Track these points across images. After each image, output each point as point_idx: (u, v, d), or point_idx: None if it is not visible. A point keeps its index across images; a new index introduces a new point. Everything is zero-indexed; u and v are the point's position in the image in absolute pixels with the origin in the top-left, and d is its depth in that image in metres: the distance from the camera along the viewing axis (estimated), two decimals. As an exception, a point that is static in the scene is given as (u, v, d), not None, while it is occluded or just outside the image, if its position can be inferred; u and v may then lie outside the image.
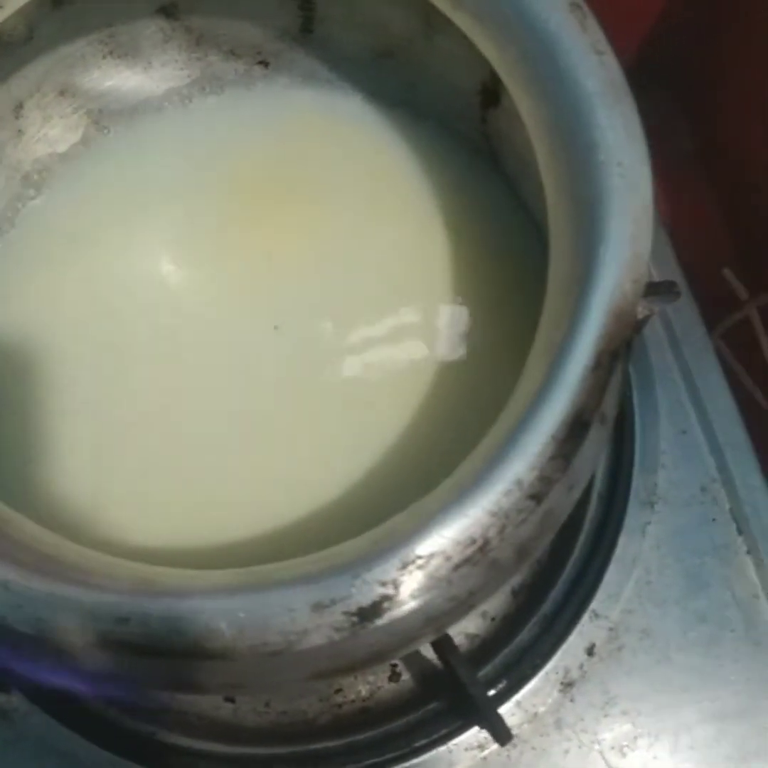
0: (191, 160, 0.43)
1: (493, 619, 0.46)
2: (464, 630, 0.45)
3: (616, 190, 0.31)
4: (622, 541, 0.46)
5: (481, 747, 0.43)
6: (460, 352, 0.40)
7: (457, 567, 0.29)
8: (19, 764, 0.42)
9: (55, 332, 0.41)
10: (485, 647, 0.45)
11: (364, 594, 0.28)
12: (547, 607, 0.45)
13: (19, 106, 0.41)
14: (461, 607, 0.33)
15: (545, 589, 0.45)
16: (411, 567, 0.28)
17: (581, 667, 0.44)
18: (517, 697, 0.43)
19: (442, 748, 0.43)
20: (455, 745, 0.43)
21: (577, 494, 0.37)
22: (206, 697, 0.44)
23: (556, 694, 0.44)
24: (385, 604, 0.28)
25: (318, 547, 0.30)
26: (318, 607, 0.28)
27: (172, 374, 0.39)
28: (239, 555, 0.35)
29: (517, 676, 0.43)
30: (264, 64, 0.44)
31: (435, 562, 0.28)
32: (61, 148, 0.43)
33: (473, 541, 0.29)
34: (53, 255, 0.42)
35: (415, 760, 0.42)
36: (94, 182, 0.43)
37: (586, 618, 0.45)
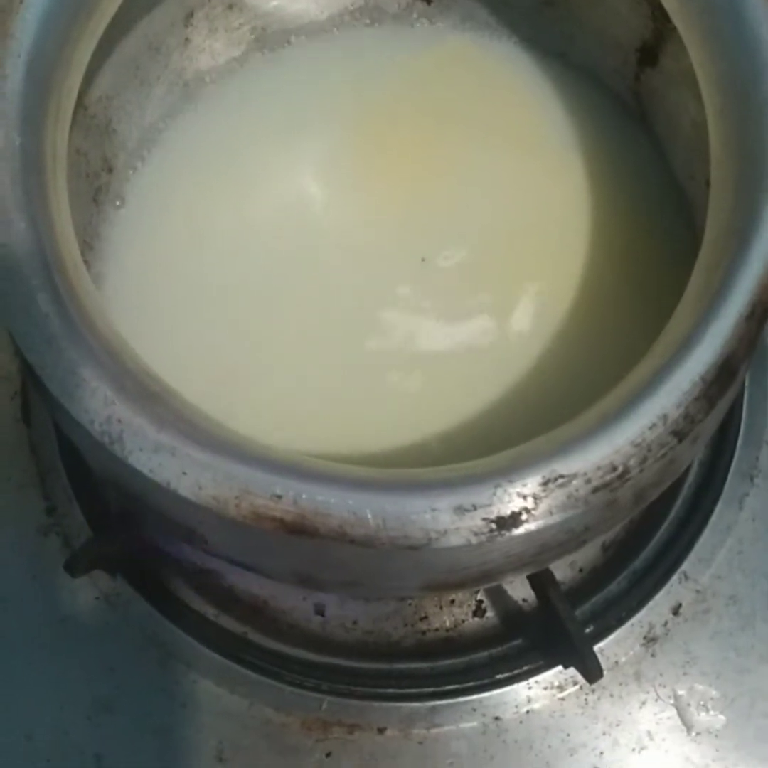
0: (344, 86, 0.44)
1: (581, 570, 0.47)
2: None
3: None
4: (719, 509, 0.46)
5: (560, 687, 0.44)
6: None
7: (595, 490, 0.30)
8: (116, 648, 0.43)
9: (202, 243, 0.42)
10: (573, 596, 0.45)
11: (505, 503, 0.29)
12: (637, 563, 0.46)
13: (190, 15, 0.42)
14: (575, 540, 0.34)
15: (637, 546, 0.46)
16: (552, 484, 0.29)
17: (665, 624, 0.45)
18: (601, 645, 0.44)
19: (522, 684, 0.44)
20: (535, 682, 0.44)
21: (700, 447, 0.37)
22: (299, 608, 0.45)
23: (638, 647, 0.44)
24: (524, 516, 0.29)
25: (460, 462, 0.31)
26: (460, 509, 0.29)
27: (316, 293, 0.40)
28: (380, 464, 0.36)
29: (603, 624, 0.44)
30: (426, 0, 0.45)
31: (575, 483, 0.29)
32: (223, 61, 0.44)
33: (614, 468, 0.30)
34: (205, 166, 0.43)
35: (494, 692, 0.44)
36: (250, 99, 0.44)
37: (675, 578, 0.45)
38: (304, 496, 0.28)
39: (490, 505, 0.29)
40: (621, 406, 0.30)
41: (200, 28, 0.43)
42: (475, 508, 0.29)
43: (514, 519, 0.29)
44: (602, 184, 0.43)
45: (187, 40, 0.43)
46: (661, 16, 0.40)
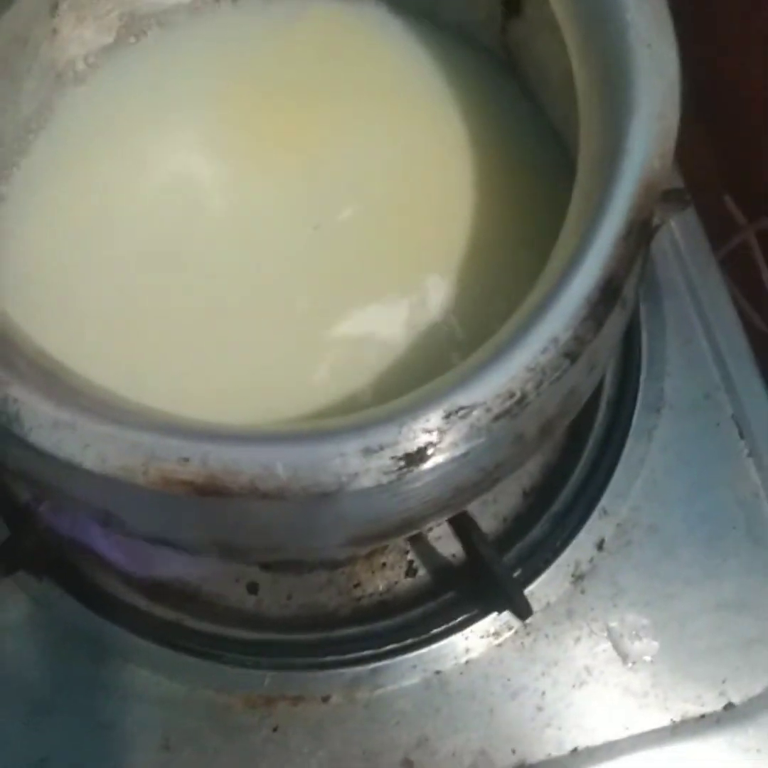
0: (219, 63, 0.45)
1: (504, 519, 0.48)
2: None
3: (644, 69, 0.33)
4: (630, 443, 0.48)
5: (496, 634, 0.45)
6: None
7: (497, 418, 0.30)
8: (51, 647, 0.43)
9: (89, 227, 0.42)
10: (500, 544, 0.46)
11: (410, 440, 0.30)
12: (557, 506, 0.47)
13: (55, 6, 0.42)
14: (487, 477, 0.35)
15: (556, 489, 0.47)
16: (453, 416, 0.30)
17: (591, 560, 0.46)
18: (531, 588, 0.45)
19: (458, 635, 0.44)
20: (471, 631, 0.44)
21: (596, 376, 0.38)
22: (232, 590, 0.45)
23: (567, 585, 0.45)
24: (430, 451, 0.30)
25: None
26: (367, 451, 0.29)
27: (210, 258, 0.40)
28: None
29: (530, 568, 0.45)
30: (290, -28, 0.45)
31: (476, 413, 0.30)
32: (94, 48, 0.44)
33: (512, 395, 0.30)
34: (87, 152, 0.43)
35: (432, 646, 0.44)
36: (124, 84, 0.44)
37: (595, 515, 0.46)
38: (212, 457, 0.29)
39: (396, 444, 0.29)
40: (513, 335, 0.31)
41: (67, 17, 0.43)
42: (381, 448, 0.29)
43: (421, 454, 0.30)
44: (482, 138, 0.44)
45: (54, 30, 0.42)
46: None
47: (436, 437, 0.30)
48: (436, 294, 0.41)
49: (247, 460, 0.29)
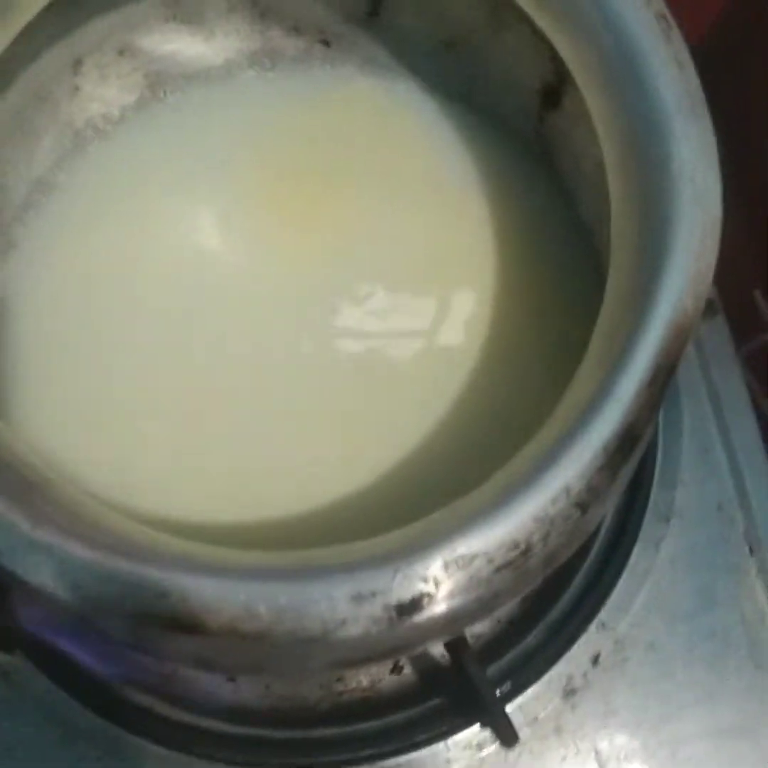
0: (244, 132, 0.43)
1: (499, 621, 0.46)
2: (472, 631, 0.44)
3: (686, 203, 0.31)
4: (636, 553, 0.46)
5: (479, 746, 0.43)
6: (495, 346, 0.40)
7: (498, 569, 0.29)
8: (16, 726, 0.41)
9: (96, 299, 0.40)
10: (490, 649, 0.44)
11: (405, 589, 0.28)
12: (554, 613, 0.45)
13: (79, 63, 0.41)
14: (485, 610, 0.33)
15: (554, 596, 0.45)
16: (453, 566, 0.28)
17: (585, 675, 0.44)
18: (519, 700, 0.43)
19: (440, 745, 0.43)
20: (454, 742, 0.43)
21: (608, 508, 0.37)
22: (208, 676, 0.43)
23: (558, 700, 0.44)
24: (425, 601, 0.28)
25: (355, 535, 0.30)
26: (358, 598, 0.28)
27: (215, 346, 0.39)
28: (276, 538, 0.35)
29: (520, 679, 0.43)
30: (325, 43, 0.44)
31: (477, 563, 0.28)
32: (115, 108, 0.42)
33: (517, 546, 0.29)
34: (98, 218, 0.41)
35: (413, 754, 0.42)
36: (144, 146, 0.42)
37: (593, 627, 0.45)
38: (191, 593, 0.27)
39: (389, 591, 0.28)
40: (522, 479, 0.29)
41: (90, 75, 0.41)
42: (373, 594, 0.28)
43: (415, 604, 0.28)
44: (508, 227, 0.42)
45: (76, 88, 0.41)
46: (562, 58, 0.40)
47: (432, 588, 0.28)
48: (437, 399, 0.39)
49: (229, 599, 0.27)
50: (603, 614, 0.45)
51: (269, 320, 0.40)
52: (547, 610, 0.45)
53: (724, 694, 0.44)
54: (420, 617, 0.28)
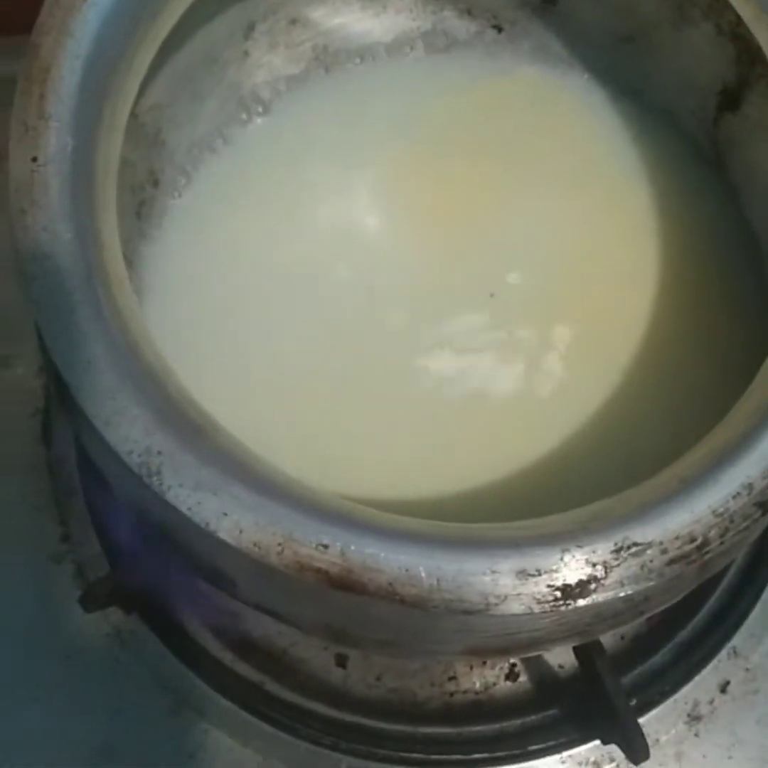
0: (405, 113, 0.43)
1: (622, 637, 0.44)
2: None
3: None
4: (775, 582, 0.43)
5: (596, 764, 0.41)
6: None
7: (671, 561, 0.27)
8: (127, 690, 0.41)
9: (245, 270, 0.40)
10: (614, 665, 0.42)
11: (573, 570, 0.27)
12: (684, 634, 0.43)
13: (251, 28, 0.41)
14: (632, 611, 0.31)
15: (685, 616, 0.43)
16: (624, 552, 0.27)
17: (712, 702, 0.42)
18: (641, 720, 0.41)
19: (554, 757, 0.41)
20: (569, 756, 0.41)
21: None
22: (319, 659, 0.43)
23: (681, 725, 0.42)
24: (592, 585, 0.27)
25: (518, 518, 0.29)
26: (523, 574, 0.26)
27: (366, 328, 0.38)
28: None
29: (645, 698, 0.41)
30: (497, 28, 0.43)
31: (651, 552, 0.27)
32: (281, 78, 0.42)
33: (693, 539, 0.27)
34: (252, 188, 0.41)
35: (525, 764, 0.41)
36: (305, 121, 0.42)
37: (724, 653, 0.42)
38: (352, 548, 0.26)
39: (556, 571, 0.27)
40: (702, 471, 0.28)
41: (260, 42, 0.41)
42: (539, 573, 0.26)
43: (582, 588, 0.27)
44: (672, 230, 0.41)
45: (245, 53, 0.41)
46: (747, 61, 0.38)
47: (601, 572, 0.27)
48: (592, 396, 0.38)
49: (389, 559, 0.26)
50: (736, 641, 0.43)
51: (420, 300, 0.39)
52: (677, 630, 0.43)
53: None
54: (586, 602, 0.27)
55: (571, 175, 0.42)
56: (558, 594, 0.26)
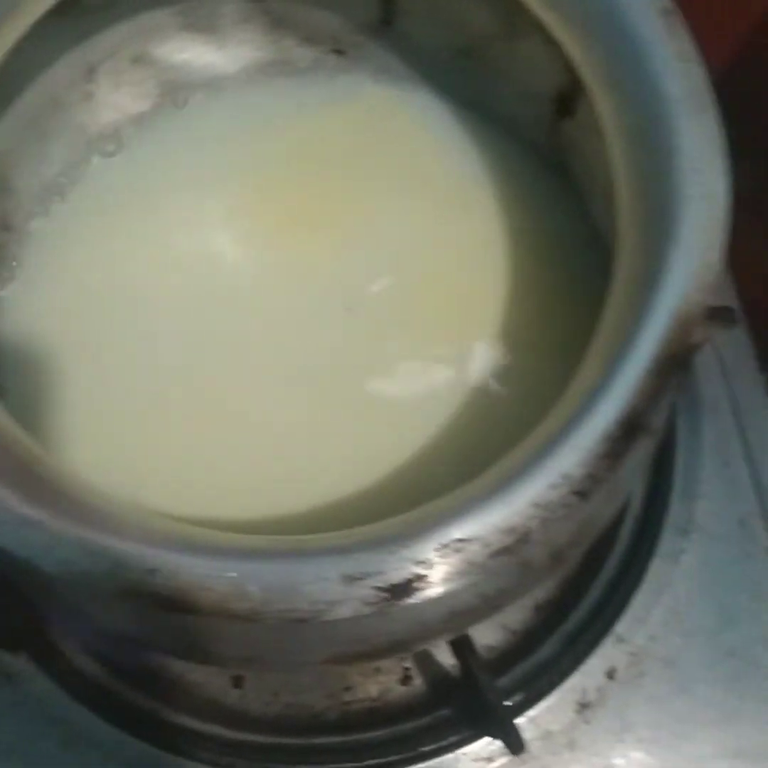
0: (255, 141, 0.43)
1: (513, 632, 0.45)
2: (483, 641, 0.43)
3: (691, 197, 0.31)
4: (654, 566, 0.45)
5: (489, 759, 0.42)
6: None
7: (494, 555, 0.28)
8: (17, 728, 0.41)
9: (103, 302, 0.41)
10: (503, 660, 0.43)
11: (397, 570, 0.28)
12: (569, 625, 0.44)
13: (92, 70, 0.41)
14: (488, 605, 0.32)
15: (570, 606, 0.44)
16: (447, 549, 0.28)
17: (599, 689, 0.43)
18: (532, 712, 0.42)
19: (449, 756, 0.42)
20: (463, 754, 0.42)
21: (616, 505, 0.36)
22: (215, 681, 0.43)
23: (571, 713, 0.42)
24: (417, 584, 0.28)
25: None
26: (349, 578, 0.27)
27: (225, 349, 0.39)
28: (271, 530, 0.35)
29: (533, 691, 0.42)
30: (339, 52, 0.44)
31: (473, 547, 0.28)
32: (128, 116, 0.43)
33: (513, 531, 0.28)
34: (107, 223, 0.42)
35: (419, 765, 0.41)
36: (155, 155, 0.43)
37: (609, 640, 0.43)
38: (181, 570, 0.27)
39: (381, 573, 0.27)
40: (520, 466, 0.29)
41: (104, 82, 0.42)
42: (364, 576, 0.27)
43: (407, 587, 0.27)
44: (521, 236, 0.42)
45: (90, 94, 0.42)
46: (574, 65, 0.40)
47: (425, 570, 0.28)
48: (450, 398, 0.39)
49: (218, 577, 0.27)
50: (620, 627, 0.44)
51: (282, 321, 0.40)
52: (562, 621, 0.44)
53: (743, 715, 0.43)
54: (414, 601, 0.27)
55: (420, 189, 0.43)
56: (385, 595, 0.27)
